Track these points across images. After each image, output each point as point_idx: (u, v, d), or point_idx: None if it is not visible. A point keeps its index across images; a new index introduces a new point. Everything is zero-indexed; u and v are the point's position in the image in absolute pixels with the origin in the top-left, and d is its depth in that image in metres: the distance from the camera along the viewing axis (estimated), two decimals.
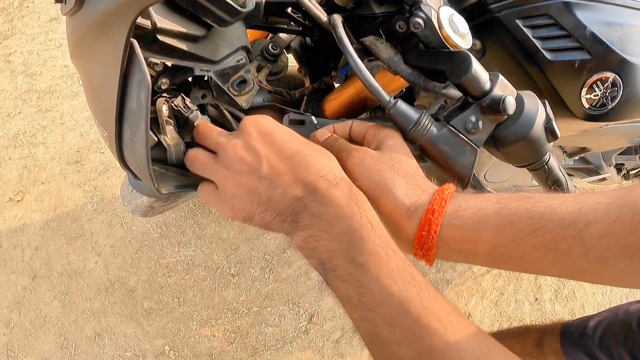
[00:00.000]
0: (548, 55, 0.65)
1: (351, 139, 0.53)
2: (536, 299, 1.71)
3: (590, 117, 0.67)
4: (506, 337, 1.19)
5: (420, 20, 0.53)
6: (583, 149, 1.06)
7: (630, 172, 1.47)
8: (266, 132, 0.44)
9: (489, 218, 0.41)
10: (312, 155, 0.43)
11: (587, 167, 1.29)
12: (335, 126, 0.54)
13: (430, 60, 0.54)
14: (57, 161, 1.86)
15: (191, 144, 0.58)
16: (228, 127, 0.60)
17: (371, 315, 0.36)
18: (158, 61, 0.51)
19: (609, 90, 0.65)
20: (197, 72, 0.53)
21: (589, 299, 1.73)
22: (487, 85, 0.49)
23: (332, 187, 0.40)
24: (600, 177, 1.32)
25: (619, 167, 1.40)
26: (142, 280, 1.68)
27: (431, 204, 0.43)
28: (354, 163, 0.47)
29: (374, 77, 0.52)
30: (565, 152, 1.09)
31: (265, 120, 0.46)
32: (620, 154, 1.27)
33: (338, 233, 0.38)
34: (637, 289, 1.71)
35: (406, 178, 0.46)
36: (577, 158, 1.19)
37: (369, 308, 0.36)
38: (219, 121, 0.60)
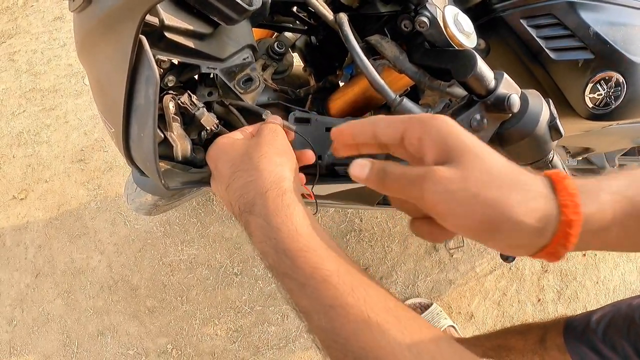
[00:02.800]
0: (552, 55, 0.65)
1: (382, 145, 0.41)
2: (539, 300, 1.71)
3: (594, 117, 0.67)
4: (508, 334, 1.20)
5: (425, 19, 0.53)
6: (586, 150, 1.06)
7: None
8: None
9: (624, 220, 0.35)
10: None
11: (591, 168, 1.29)
12: (356, 135, 0.42)
13: (436, 59, 0.54)
14: (61, 160, 1.86)
15: (197, 140, 0.58)
16: (234, 125, 0.60)
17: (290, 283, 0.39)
18: (165, 58, 0.52)
19: (612, 90, 0.65)
20: (204, 70, 0.54)
21: (591, 300, 1.72)
22: (492, 84, 0.49)
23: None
24: None
25: (622, 168, 1.40)
26: (145, 278, 1.68)
27: (565, 215, 0.33)
28: (439, 201, 0.35)
29: (379, 75, 0.53)
30: (569, 152, 1.10)
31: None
32: (623, 155, 1.27)
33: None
34: None
35: (513, 189, 0.34)
36: (581, 158, 1.19)
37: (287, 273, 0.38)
38: (225, 118, 0.60)
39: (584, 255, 1.79)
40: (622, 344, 0.83)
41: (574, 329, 0.95)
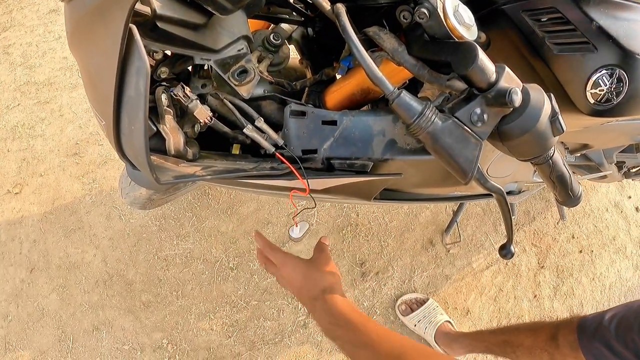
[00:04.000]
0: (553, 49, 0.64)
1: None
2: (535, 296, 1.71)
3: (595, 113, 0.66)
4: (517, 331, 1.20)
5: (425, 11, 0.52)
6: (585, 146, 1.05)
7: (631, 170, 1.46)
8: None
9: None
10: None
11: (588, 165, 1.29)
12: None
13: (435, 51, 0.53)
14: (56, 153, 1.85)
15: (190, 133, 0.57)
16: (229, 118, 0.59)
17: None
18: (157, 49, 0.50)
19: (614, 86, 0.64)
20: (197, 61, 0.52)
21: (587, 297, 1.73)
22: (493, 77, 0.48)
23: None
24: (601, 174, 1.31)
25: (619, 165, 1.39)
26: (140, 273, 1.67)
27: None
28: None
29: (377, 67, 0.51)
30: (567, 148, 1.09)
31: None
32: (621, 152, 1.26)
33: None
34: (638, 290, 1.71)
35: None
36: (579, 155, 1.18)
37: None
38: (219, 111, 0.59)
39: (581, 251, 1.79)
40: (634, 338, 0.86)
41: (588, 327, 0.96)
